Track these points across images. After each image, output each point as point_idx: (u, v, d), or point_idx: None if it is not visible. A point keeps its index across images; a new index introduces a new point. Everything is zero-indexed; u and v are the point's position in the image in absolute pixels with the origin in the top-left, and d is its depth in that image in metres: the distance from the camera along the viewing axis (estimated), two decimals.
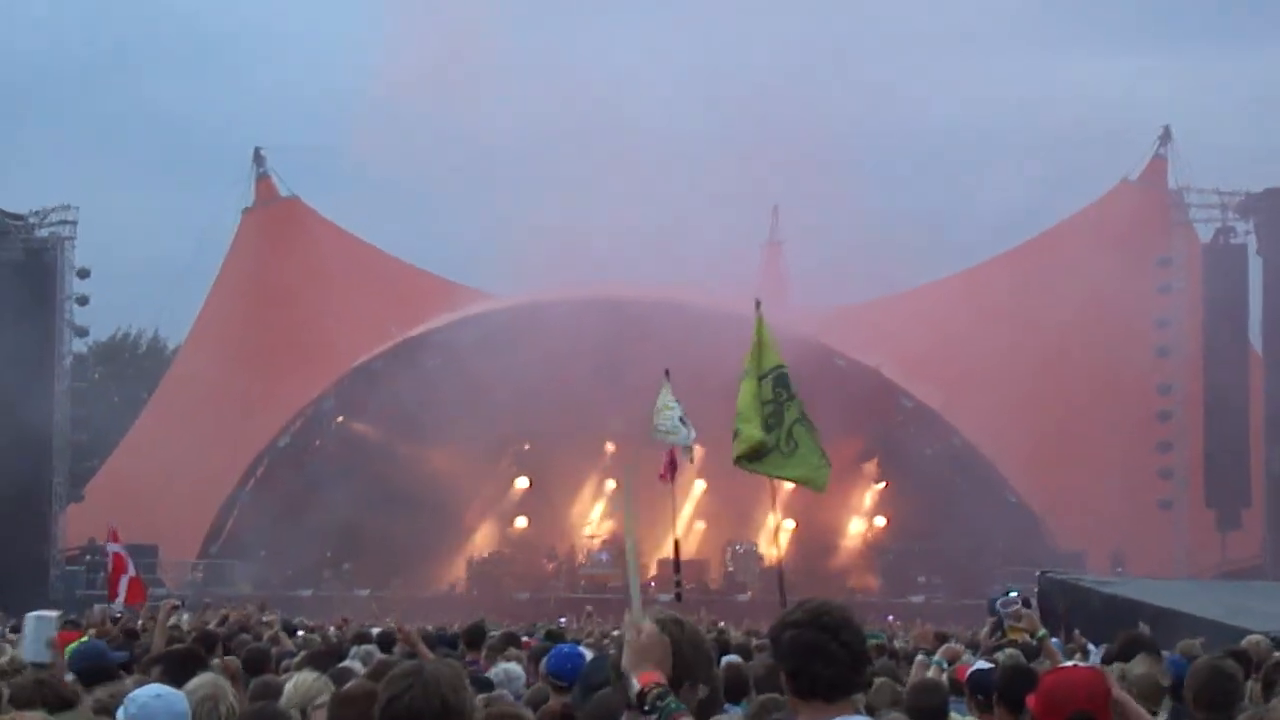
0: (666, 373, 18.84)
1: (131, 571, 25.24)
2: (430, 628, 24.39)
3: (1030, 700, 6.24)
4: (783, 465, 15.52)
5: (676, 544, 20.16)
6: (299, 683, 7.65)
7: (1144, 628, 15.13)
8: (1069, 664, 6.64)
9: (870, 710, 5.83)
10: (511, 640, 15.09)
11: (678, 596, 21.73)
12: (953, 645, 11.31)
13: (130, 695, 6.21)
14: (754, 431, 15.21)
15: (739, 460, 15.68)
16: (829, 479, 16.26)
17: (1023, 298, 53.77)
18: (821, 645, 5.47)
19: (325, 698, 7.13)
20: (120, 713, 6.08)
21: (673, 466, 18.54)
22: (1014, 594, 11.29)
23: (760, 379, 15.45)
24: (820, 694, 5.50)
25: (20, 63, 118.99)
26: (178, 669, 8.20)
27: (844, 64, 65.41)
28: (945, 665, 10.59)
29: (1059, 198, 59.93)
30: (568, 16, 63.60)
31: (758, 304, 15.92)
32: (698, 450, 19.80)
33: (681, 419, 18.13)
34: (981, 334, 52.56)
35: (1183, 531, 51.76)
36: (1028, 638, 11.22)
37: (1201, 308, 51.69)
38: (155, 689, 6.27)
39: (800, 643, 5.52)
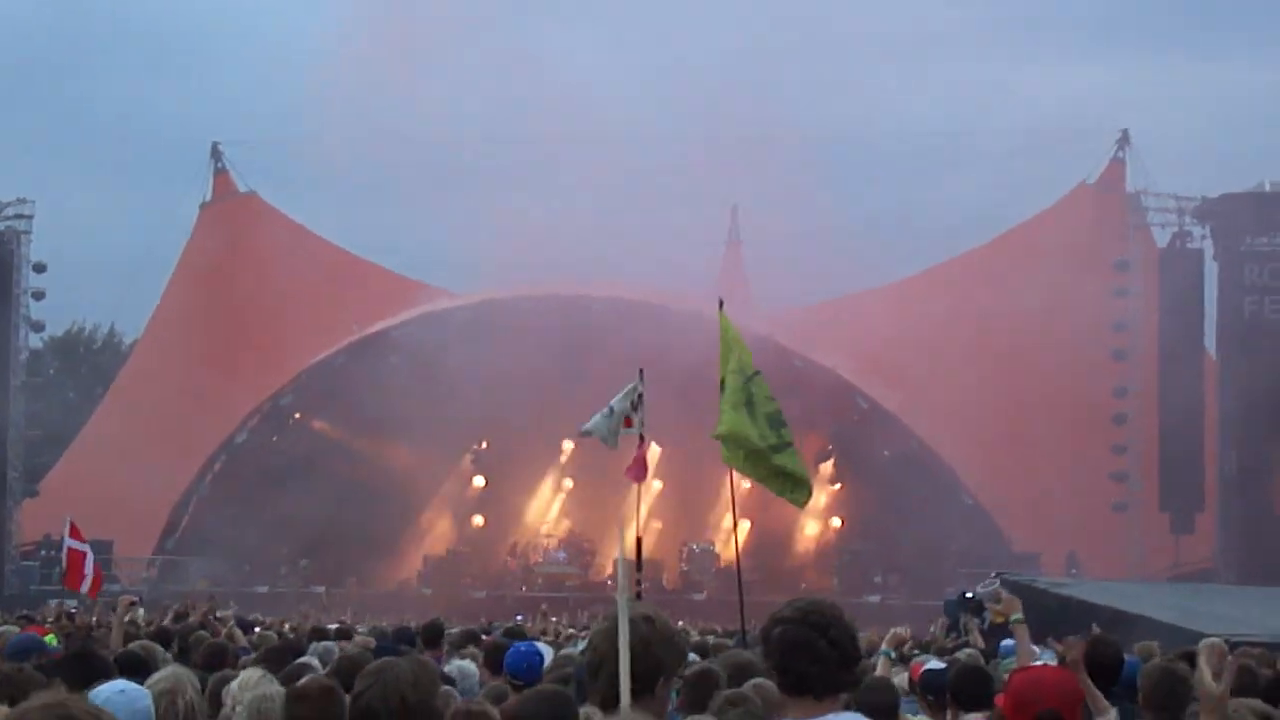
0: (640, 372, 18.59)
1: (90, 562, 25.14)
2: (386, 625, 24.36)
3: (999, 699, 6.26)
4: (768, 473, 15.23)
5: (639, 542, 19.95)
6: (244, 680, 7.64)
7: (1095, 629, 15.19)
8: (1039, 663, 6.65)
9: None
10: (471, 638, 15.08)
11: (637, 595, 21.61)
12: (898, 631, 11.33)
13: (94, 691, 6.19)
14: (745, 427, 14.97)
15: (722, 438, 15.28)
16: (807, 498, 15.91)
17: (980, 300, 53.88)
18: (809, 642, 5.48)
19: (265, 691, 7.09)
20: None
21: (643, 466, 18.36)
22: (994, 576, 11.33)
23: (749, 379, 15.23)
24: (809, 691, 5.51)
25: None
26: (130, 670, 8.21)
27: (804, 65, 65.60)
28: (893, 655, 10.62)
29: (1017, 200, 60.22)
30: (529, 14, 63.58)
31: (720, 303, 15.80)
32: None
33: (611, 411, 17.82)
34: (939, 335, 52.68)
35: (1136, 534, 51.98)
36: (1003, 620, 11.19)
37: (1158, 311, 51.90)
38: (119, 684, 6.26)
39: (788, 639, 5.54)
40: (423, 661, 5.88)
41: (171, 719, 6.48)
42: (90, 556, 22.55)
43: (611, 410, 17.65)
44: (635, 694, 5.50)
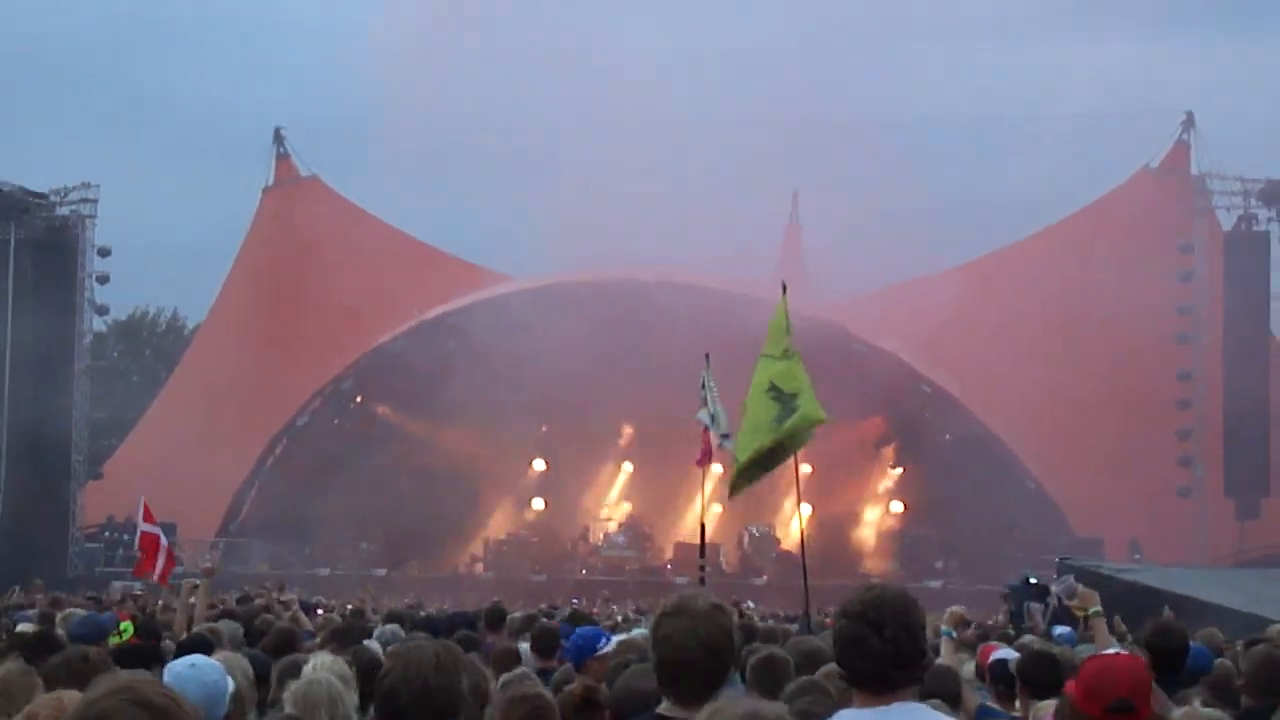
0: (707, 357, 18.65)
1: (164, 547, 25.24)
2: (447, 608, 24.43)
3: (1069, 686, 6.17)
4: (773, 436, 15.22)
5: (703, 527, 19.96)
6: (319, 664, 7.65)
7: (1168, 613, 15.11)
8: (1111, 650, 6.57)
9: None
10: (533, 622, 15.07)
11: (701, 580, 21.62)
12: (955, 610, 11.25)
13: (167, 665, 6.24)
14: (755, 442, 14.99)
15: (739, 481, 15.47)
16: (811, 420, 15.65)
17: (1043, 284, 53.64)
18: (863, 640, 5.42)
19: (337, 671, 7.09)
20: None
21: (708, 453, 18.41)
22: (1070, 577, 11.24)
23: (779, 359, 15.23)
24: (865, 686, 5.46)
25: (42, 42, 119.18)
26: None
27: (865, 48, 65.40)
28: (955, 634, 10.56)
29: (1080, 184, 59.82)
30: (594, 0, 63.52)
31: (784, 287, 15.75)
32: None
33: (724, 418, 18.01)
34: (1001, 320, 52.47)
35: (1201, 519, 51.63)
36: (1082, 614, 11.16)
37: (1222, 295, 51.50)
38: (191, 659, 6.29)
39: (845, 635, 5.48)
40: (449, 645, 5.85)
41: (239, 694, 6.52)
42: (163, 540, 22.63)
43: (716, 399, 17.94)
44: (716, 687, 5.48)
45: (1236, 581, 29.04)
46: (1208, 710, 7.98)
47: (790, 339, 15.65)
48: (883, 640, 5.38)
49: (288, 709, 6.87)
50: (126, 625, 11.33)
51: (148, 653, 8.72)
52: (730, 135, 55.84)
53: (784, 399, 15.23)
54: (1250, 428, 50.39)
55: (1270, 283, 51.23)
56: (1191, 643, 13.78)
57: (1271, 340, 51.41)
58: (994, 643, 12.00)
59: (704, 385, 18.60)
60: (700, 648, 5.43)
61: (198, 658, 6.32)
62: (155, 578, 22.89)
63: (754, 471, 15.44)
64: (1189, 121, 56.37)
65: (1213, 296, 51.84)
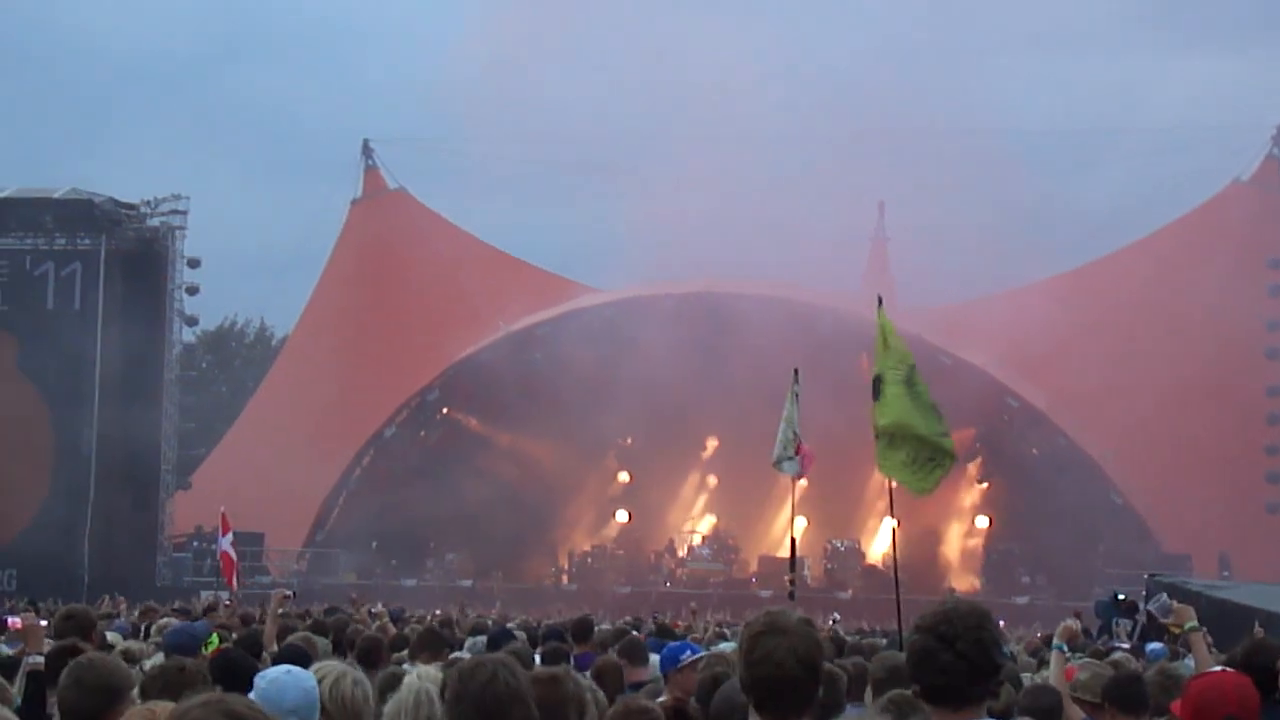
0: (796, 372, 18.51)
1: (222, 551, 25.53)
2: (533, 620, 24.50)
3: (1175, 706, 6.15)
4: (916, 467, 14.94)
5: (793, 541, 19.89)
6: (424, 674, 7.71)
7: (1259, 630, 14.98)
8: (1216, 669, 6.53)
9: (994, 715, 5.77)
10: (622, 635, 15.12)
11: (790, 595, 21.55)
12: (1069, 624, 11.18)
13: (261, 673, 6.32)
14: (910, 416, 14.62)
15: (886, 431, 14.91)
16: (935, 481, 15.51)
17: (1131, 297, 53.34)
18: (934, 654, 5.43)
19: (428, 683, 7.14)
20: (253, 691, 6.15)
21: (806, 462, 18.42)
22: (1164, 595, 11.14)
23: (911, 368, 14.99)
24: (942, 702, 5.48)
25: (133, 54, 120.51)
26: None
27: (950, 58, 65.14)
28: (1066, 649, 10.52)
29: (1169, 197, 59.49)
30: (677, 11, 63.62)
31: (880, 300, 15.64)
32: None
33: (791, 441, 17.92)
34: (1089, 334, 52.19)
35: None
36: (1178, 630, 11.11)
37: None
38: (285, 666, 6.37)
39: (916, 649, 5.51)
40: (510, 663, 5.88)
41: (336, 702, 6.57)
42: (222, 547, 22.84)
43: (787, 421, 17.84)
44: (810, 702, 5.51)
45: None
46: None
47: (896, 353, 15.36)
48: (954, 654, 5.39)
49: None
50: (213, 638, 11.43)
51: (244, 662, 8.80)
52: (815, 146, 55.85)
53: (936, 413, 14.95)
54: None
55: None
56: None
57: None
58: (1076, 663, 11.97)
59: (788, 400, 18.53)
60: (798, 665, 5.46)
61: (292, 666, 6.39)
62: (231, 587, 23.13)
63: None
64: (1278, 136, 55.94)
65: None
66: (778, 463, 18.68)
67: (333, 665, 7.12)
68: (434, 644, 11.93)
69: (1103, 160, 61.47)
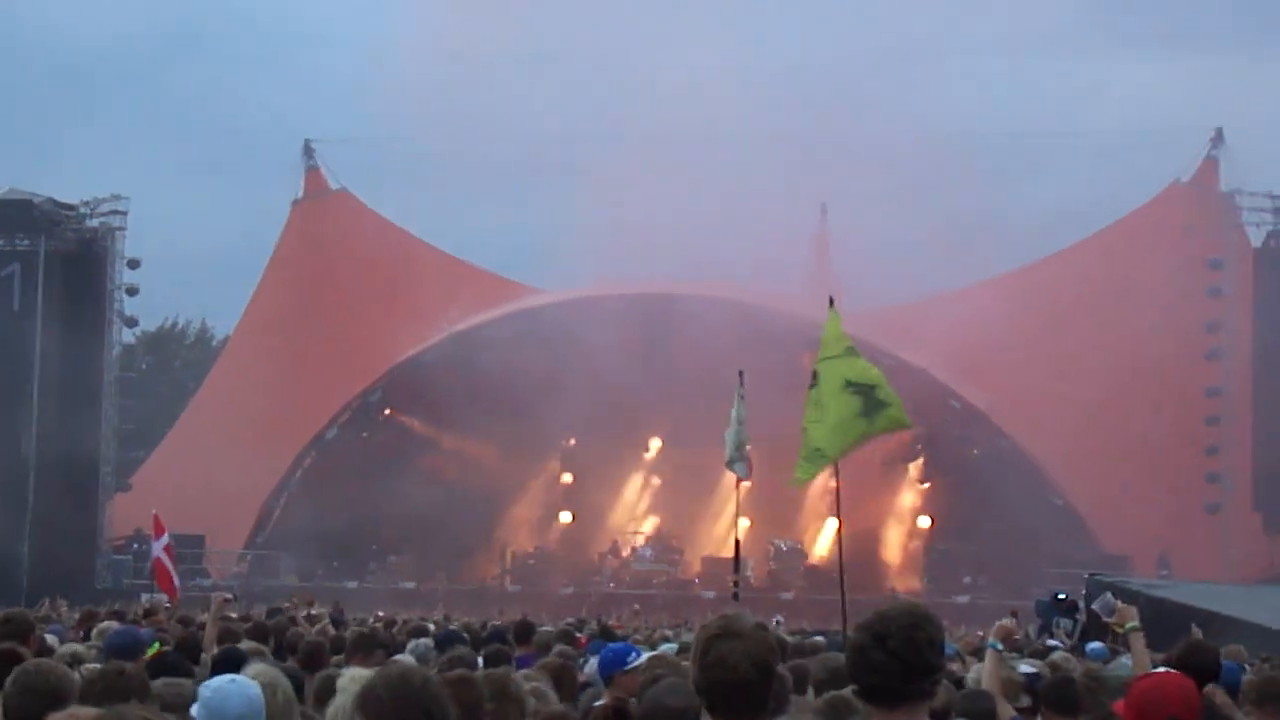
0: (741, 374, 18.58)
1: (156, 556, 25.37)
2: (475, 621, 24.47)
3: (1118, 706, 6.17)
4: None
5: (737, 544, 19.89)
6: (357, 677, 7.69)
7: (1197, 631, 15.08)
8: (1159, 669, 6.56)
9: (934, 714, 5.79)
10: (564, 637, 15.12)
11: (735, 596, 21.60)
12: (1005, 623, 11.23)
13: (206, 682, 6.36)
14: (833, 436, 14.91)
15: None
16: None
17: (1072, 299, 53.60)
18: (867, 653, 5.47)
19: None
20: (195, 704, 6.19)
21: (749, 465, 18.54)
22: (1108, 595, 11.20)
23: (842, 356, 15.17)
24: (878, 701, 5.51)
25: (73, 54, 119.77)
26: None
27: (894, 62, 65.36)
28: (1001, 647, 10.55)
29: (1109, 199, 59.77)
30: (618, 12, 63.60)
31: (831, 301, 15.76)
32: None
33: (743, 442, 18.10)
34: (1029, 335, 52.43)
35: (1229, 535, 51.46)
36: (1120, 629, 11.14)
37: (1252, 311, 51.38)
38: (229, 676, 6.41)
39: (852, 648, 5.55)
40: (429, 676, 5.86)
41: (274, 710, 6.60)
42: (155, 553, 22.75)
43: (738, 423, 17.97)
44: (764, 705, 5.53)
45: (1265, 598, 28.96)
46: None
47: (849, 342, 15.65)
48: (886, 653, 5.42)
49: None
50: (154, 645, 11.38)
51: (181, 666, 8.78)
52: (761, 148, 55.93)
53: (865, 391, 15.20)
54: (1279, 443, 50.20)
55: None
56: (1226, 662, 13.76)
57: None
58: (1021, 660, 12.04)
59: (735, 403, 18.62)
60: (753, 668, 5.47)
61: (236, 676, 6.43)
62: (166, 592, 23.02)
63: (818, 463, 15.37)
64: (1218, 138, 56.34)
65: (1242, 312, 51.71)
66: (730, 463, 18.79)
67: (261, 669, 7.15)
68: (367, 646, 11.90)
69: (1047, 163, 61.78)
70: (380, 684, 5.52)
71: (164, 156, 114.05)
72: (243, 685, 6.26)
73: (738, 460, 18.50)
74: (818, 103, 56.88)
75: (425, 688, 5.51)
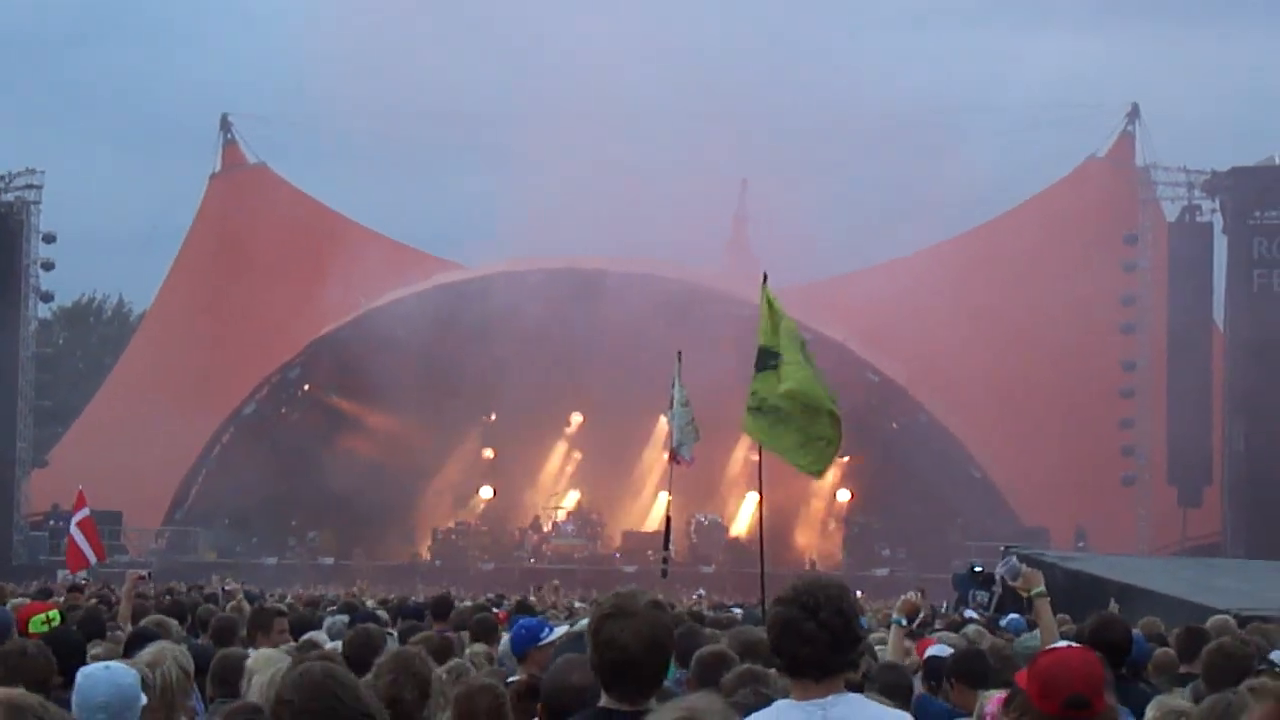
0: (679, 355, 18.42)
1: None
2: (393, 597, 24.39)
3: (1021, 679, 6.15)
4: (792, 444, 14.90)
5: (668, 520, 19.82)
6: (261, 657, 7.71)
7: (1114, 605, 15.21)
8: (1063, 644, 6.60)
9: (851, 688, 5.83)
10: (481, 611, 15.10)
11: (663, 573, 21.54)
12: (909, 598, 11.25)
13: (83, 669, 6.45)
14: (812, 385, 14.50)
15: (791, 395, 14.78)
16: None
17: (989, 274, 53.86)
18: (798, 624, 5.50)
19: (280, 668, 7.14)
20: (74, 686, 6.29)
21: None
22: (1013, 558, 11.17)
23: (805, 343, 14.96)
24: (804, 673, 5.53)
25: None
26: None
27: (814, 38, 65.45)
28: (904, 622, 10.59)
29: (1027, 174, 60.13)
30: None
31: (765, 277, 15.63)
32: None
33: (690, 425, 17.91)
34: (948, 310, 52.66)
35: (1145, 508, 51.96)
36: (1026, 594, 11.16)
37: (1167, 285, 51.82)
38: (105, 663, 6.51)
39: (778, 620, 5.57)
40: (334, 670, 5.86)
41: (150, 691, 6.65)
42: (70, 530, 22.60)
43: (682, 405, 17.77)
44: (659, 682, 5.54)
45: (1178, 570, 29.22)
46: (1178, 701, 8.07)
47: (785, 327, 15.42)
48: (818, 624, 5.46)
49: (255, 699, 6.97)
50: (54, 614, 11.29)
51: (72, 643, 8.76)
52: (680, 125, 55.94)
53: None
54: (1193, 417, 50.70)
55: (1214, 273, 51.55)
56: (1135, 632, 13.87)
57: (1214, 330, 51.71)
58: (932, 636, 12.10)
59: (673, 385, 18.46)
60: (643, 648, 5.48)
61: (112, 662, 6.52)
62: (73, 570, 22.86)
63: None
64: (1134, 113, 56.72)
65: (1157, 287, 52.13)
66: (678, 447, 18.51)
67: (161, 648, 7.16)
68: (267, 620, 11.86)
69: (965, 139, 61.97)
70: (286, 690, 5.53)
71: (80, 130, 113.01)
72: (115, 673, 6.36)
73: (686, 444, 18.26)
74: (738, 80, 57.02)
75: (329, 678, 5.51)
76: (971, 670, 9.32)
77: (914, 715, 9.36)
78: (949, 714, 9.32)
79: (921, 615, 13.93)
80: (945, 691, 9.84)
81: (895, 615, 10.57)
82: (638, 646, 5.47)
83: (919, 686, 9.92)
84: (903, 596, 11.10)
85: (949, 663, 9.75)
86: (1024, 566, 10.73)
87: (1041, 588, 10.31)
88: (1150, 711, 7.63)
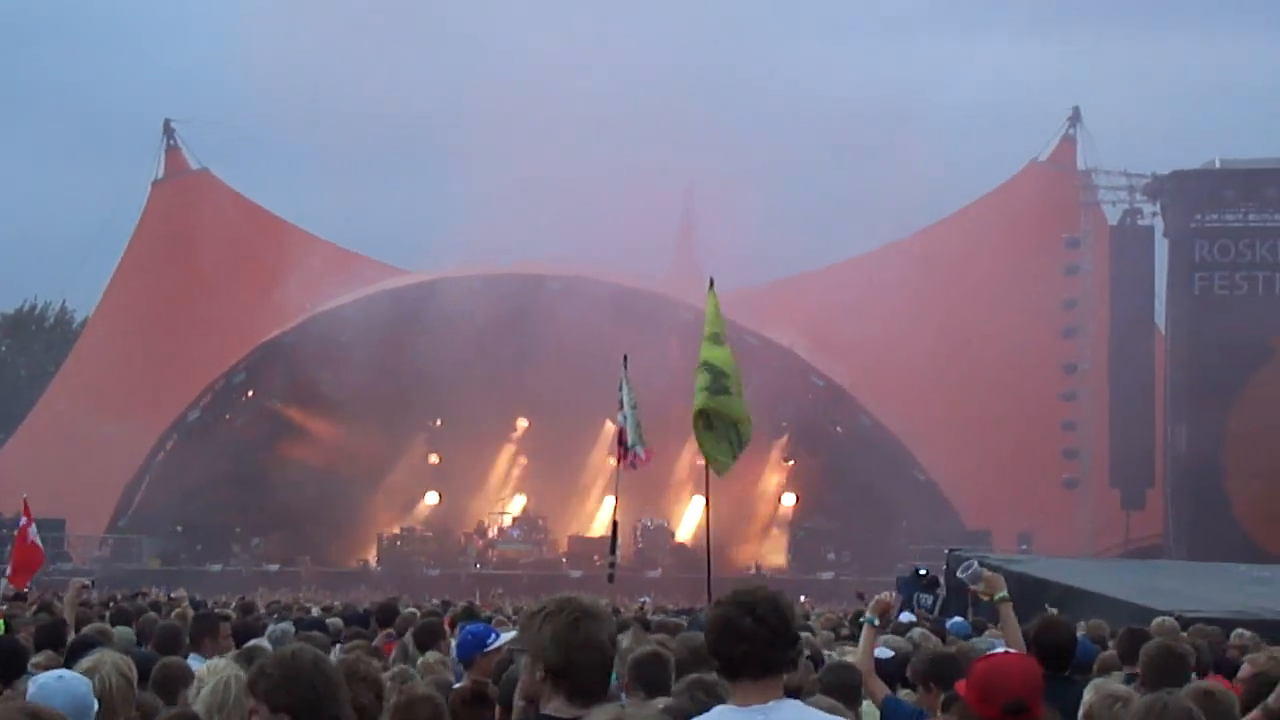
0: (625, 359, 18.53)
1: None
2: (338, 604, 24.37)
3: (961, 687, 6.20)
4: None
5: (614, 524, 19.91)
6: (213, 668, 7.69)
7: (1051, 610, 15.28)
8: (1000, 650, 6.64)
9: (790, 691, 5.86)
10: (427, 617, 15.08)
11: (610, 578, 21.55)
12: (882, 597, 11.17)
13: (34, 678, 6.42)
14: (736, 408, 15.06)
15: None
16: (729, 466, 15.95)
17: (931, 277, 54.08)
18: (736, 621, 5.55)
19: (227, 676, 7.14)
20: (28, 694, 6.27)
21: (623, 456, 18.50)
22: (974, 562, 11.15)
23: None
24: (743, 673, 5.57)
25: None
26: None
27: (757, 42, 65.60)
28: (877, 622, 10.58)
29: (969, 178, 60.30)
30: None
31: (711, 282, 15.86)
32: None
33: (639, 427, 18.14)
34: (891, 313, 52.82)
35: (1088, 510, 52.25)
36: (987, 598, 11.15)
37: (1108, 288, 52.14)
38: (59, 672, 6.48)
39: (717, 619, 5.61)
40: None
41: (105, 693, 6.67)
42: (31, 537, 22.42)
43: (631, 408, 17.92)
44: (602, 687, 5.55)
45: (1122, 572, 29.36)
46: (1117, 685, 8.13)
47: (724, 327, 15.81)
48: (754, 619, 5.51)
49: (199, 709, 6.96)
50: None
51: (14, 651, 8.75)
52: (625, 130, 55.95)
53: (715, 373, 15.32)
54: (1135, 419, 51.06)
55: (1155, 276, 51.91)
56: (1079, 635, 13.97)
57: (1156, 333, 52.06)
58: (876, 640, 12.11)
59: (621, 387, 18.60)
60: (580, 652, 5.50)
61: (65, 671, 6.50)
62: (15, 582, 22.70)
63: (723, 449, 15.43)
64: (1075, 117, 57.05)
65: (1099, 290, 52.46)
66: (632, 445, 18.75)
67: (101, 655, 7.16)
68: (211, 626, 11.84)
69: (906, 142, 62.20)
70: (271, 663, 5.54)
71: (21, 137, 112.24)
72: (69, 682, 6.36)
73: (639, 443, 18.47)
74: (682, 84, 57.05)
75: (316, 669, 5.53)
76: (943, 674, 9.35)
77: (882, 716, 9.42)
78: (919, 715, 9.37)
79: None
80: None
81: (868, 614, 10.48)
82: (585, 660, 5.51)
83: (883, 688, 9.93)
84: (876, 597, 11.02)
85: (925, 665, 9.76)
86: (986, 571, 10.74)
87: (1004, 592, 10.34)
88: (1088, 694, 7.70)
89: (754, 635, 5.53)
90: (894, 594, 11.78)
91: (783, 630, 5.61)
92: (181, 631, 12.10)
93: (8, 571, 22.68)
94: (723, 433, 15.41)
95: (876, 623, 10.39)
